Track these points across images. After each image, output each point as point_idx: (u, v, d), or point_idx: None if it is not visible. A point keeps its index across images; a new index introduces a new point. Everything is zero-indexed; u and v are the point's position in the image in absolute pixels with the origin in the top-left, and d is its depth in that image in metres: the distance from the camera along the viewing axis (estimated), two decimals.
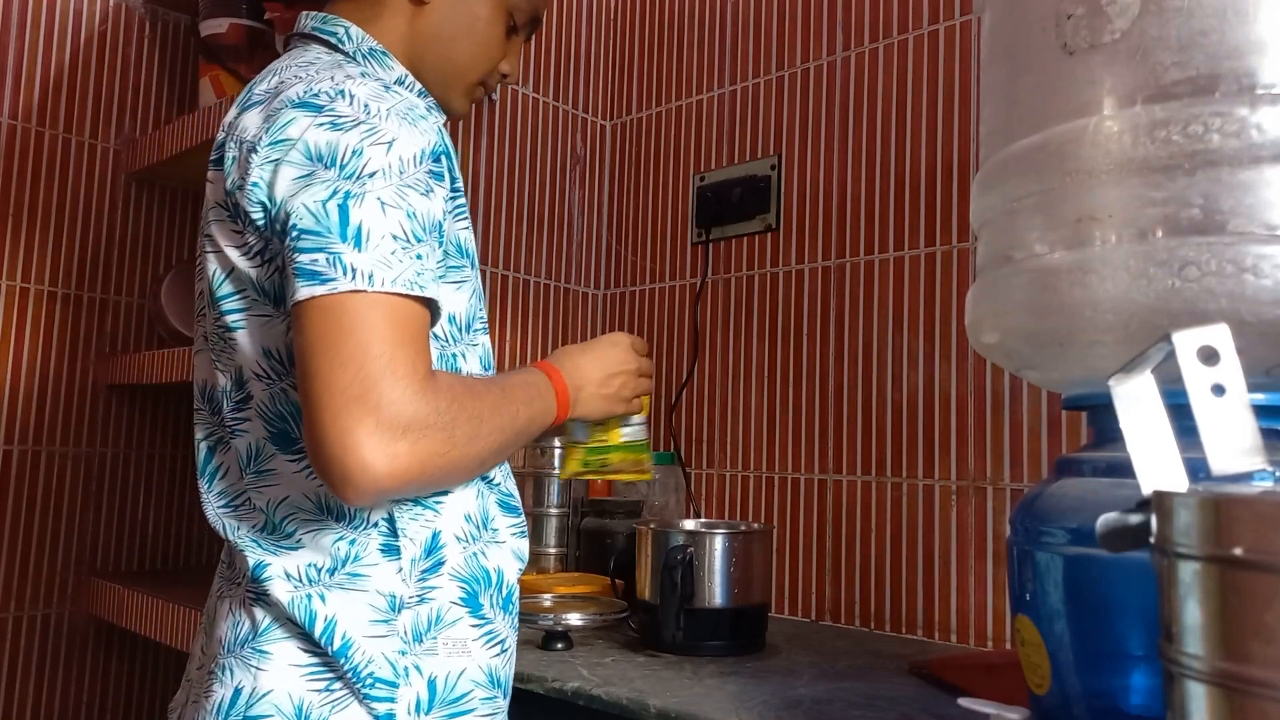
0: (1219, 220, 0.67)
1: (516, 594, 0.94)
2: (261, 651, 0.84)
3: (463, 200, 0.91)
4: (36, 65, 1.63)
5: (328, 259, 0.75)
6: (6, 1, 1.60)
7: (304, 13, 1.01)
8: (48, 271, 1.63)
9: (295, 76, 0.87)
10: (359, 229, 0.76)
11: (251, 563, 0.86)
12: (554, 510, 1.68)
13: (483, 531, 0.91)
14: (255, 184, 0.81)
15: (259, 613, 0.85)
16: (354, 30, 0.96)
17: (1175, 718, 0.45)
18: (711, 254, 1.85)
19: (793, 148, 1.76)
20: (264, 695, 0.82)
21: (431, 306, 0.81)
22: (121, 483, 1.69)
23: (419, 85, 0.99)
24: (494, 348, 1.80)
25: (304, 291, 0.75)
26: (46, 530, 1.61)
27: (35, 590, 1.59)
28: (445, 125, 0.98)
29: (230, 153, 0.86)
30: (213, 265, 0.88)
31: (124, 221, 1.71)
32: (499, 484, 0.95)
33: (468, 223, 0.92)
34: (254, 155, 0.82)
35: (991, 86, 0.89)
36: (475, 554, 0.90)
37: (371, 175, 0.78)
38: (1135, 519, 0.48)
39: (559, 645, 1.28)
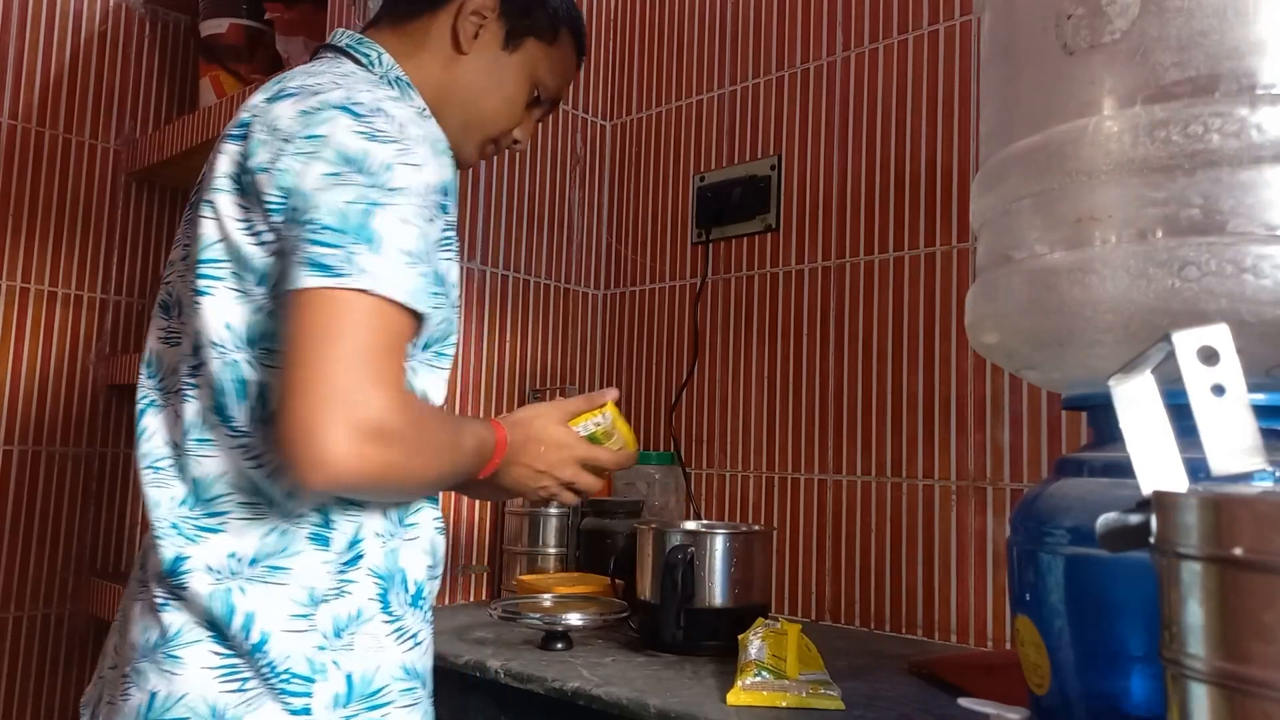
0: (1219, 220, 0.67)
1: (428, 590, 0.95)
2: (173, 656, 0.84)
3: (453, 234, 0.94)
4: (36, 65, 1.63)
5: (343, 255, 0.79)
6: (6, 2, 1.60)
7: (340, 29, 1.06)
8: (48, 271, 1.63)
9: (334, 83, 0.90)
10: (377, 235, 0.80)
11: (170, 556, 0.85)
12: (554, 510, 1.68)
13: (399, 527, 0.92)
14: (283, 170, 0.84)
15: (167, 617, 0.85)
16: (385, 57, 1.02)
17: (1175, 718, 0.45)
18: (711, 254, 1.85)
19: (793, 148, 1.76)
20: (180, 699, 0.83)
21: (422, 325, 0.85)
22: (121, 483, 1.69)
23: (434, 122, 1.01)
24: (483, 347, 1.80)
25: (311, 280, 0.78)
26: (46, 530, 1.61)
27: (35, 590, 1.59)
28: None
29: (259, 135, 0.87)
30: (207, 229, 0.89)
31: (124, 221, 1.71)
32: None
33: (452, 255, 0.94)
34: (288, 144, 0.85)
35: (991, 86, 0.89)
36: (391, 551, 0.91)
37: (396, 190, 0.83)
38: (1135, 519, 0.48)
39: (559, 645, 1.28)
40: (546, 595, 1.45)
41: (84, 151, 1.67)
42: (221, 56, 1.72)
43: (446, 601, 1.67)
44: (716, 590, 1.29)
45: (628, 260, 2.01)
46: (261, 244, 0.85)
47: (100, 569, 1.65)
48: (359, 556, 0.88)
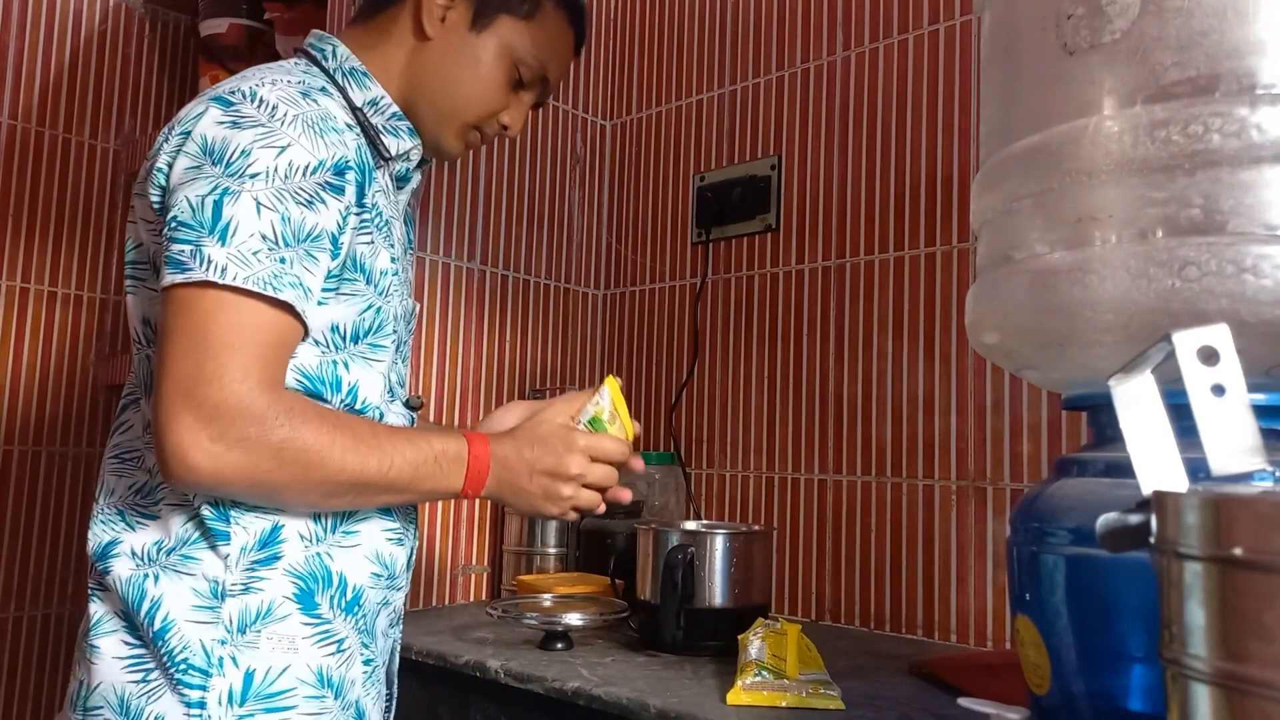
0: (1219, 220, 0.67)
1: (369, 599, 0.92)
2: (93, 646, 0.86)
3: (373, 217, 0.91)
4: (36, 65, 1.63)
5: (191, 250, 0.79)
6: (6, 1, 1.60)
7: (312, 31, 1.05)
8: (48, 271, 1.63)
9: (242, 76, 0.90)
10: (227, 225, 0.79)
11: (103, 541, 0.87)
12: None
13: (330, 534, 0.90)
14: (159, 169, 0.86)
15: (93, 606, 0.87)
16: (340, 50, 0.99)
17: (1175, 718, 0.45)
18: (711, 254, 1.85)
19: (793, 148, 1.76)
20: (95, 687, 0.84)
21: (293, 314, 0.82)
22: None
23: (394, 109, 0.99)
24: (483, 347, 1.80)
25: (167, 279, 0.80)
26: (46, 530, 1.61)
27: (35, 590, 1.59)
28: (413, 153, 1.01)
29: (161, 136, 0.90)
30: (130, 232, 0.93)
31: (124, 221, 1.71)
32: None
33: (374, 239, 0.92)
34: (166, 143, 0.86)
35: (991, 86, 0.89)
36: (319, 554, 0.89)
37: (254, 176, 0.81)
38: (1135, 519, 0.48)
39: (559, 645, 1.28)
40: (546, 595, 1.45)
41: (84, 151, 1.67)
42: (221, 56, 1.72)
43: (447, 601, 1.67)
44: (716, 590, 1.29)
45: (628, 260, 2.01)
46: (157, 243, 0.86)
47: None
48: (276, 556, 0.87)
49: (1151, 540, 0.47)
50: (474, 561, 1.72)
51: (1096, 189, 0.73)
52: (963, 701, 0.78)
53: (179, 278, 0.79)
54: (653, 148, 2.00)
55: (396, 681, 1.04)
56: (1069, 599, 0.71)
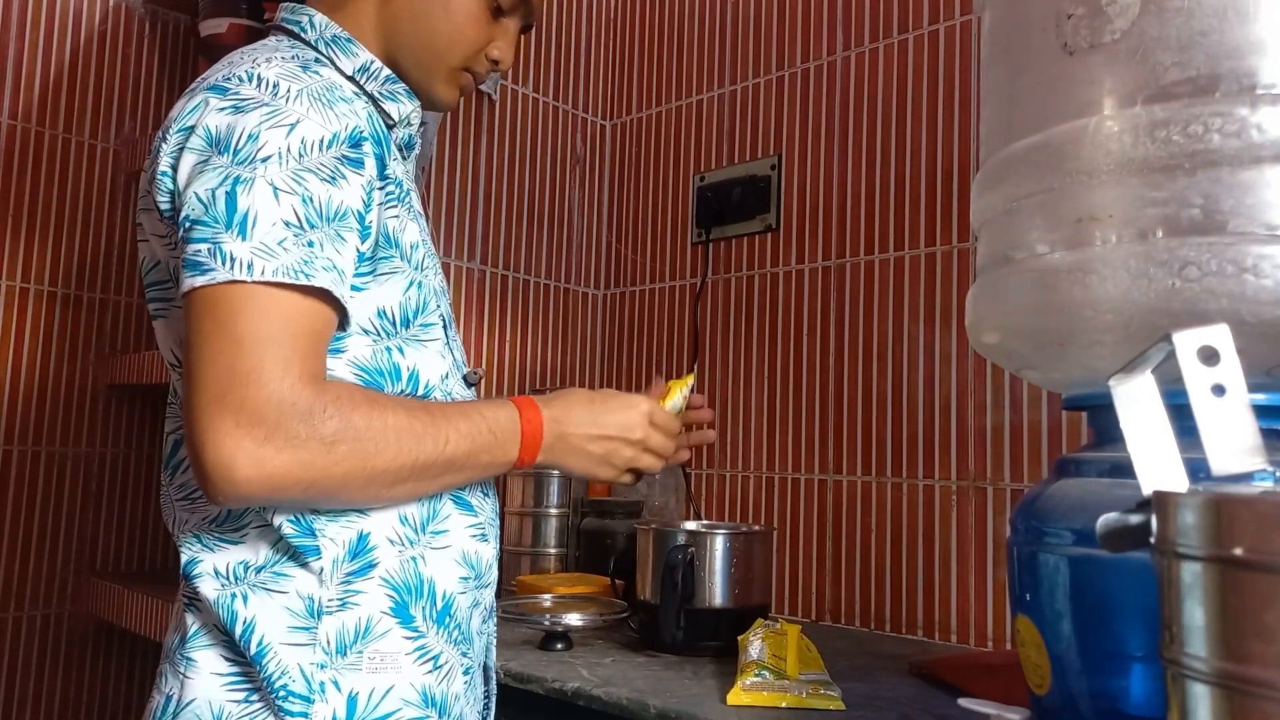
0: (1219, 220, 0.67)
1: (459, 606, 0.87)
2: (189, 659, 0.81)
3: (396, 189, 0.86)
4: (36, 65, 1.63)
5: (210, 249, 0.72)
6: (6, 1, 1.60)
7: (280, 4, 0.97)
8: (48, 271, 1.63)
9: (228, 61, 0.84)
10: (245, 216, 0.73)
11: (185, 559, 0.82)
12: (554, 510, 1.68)
13: (421, 535, 0.85)
14: (164, 173, 0.78)
15: (189, 618, 0.82)
16: (318, 19, 0.91)
17: (1175, 718, 0.45)
18: (711, 254, 1.85)
19: (793, 148, 1.76)
20: (188, 704, 0.79)
21: (329, 300, 0.76)
22: (121, 483, 1.69)
23: (387, 73, 0.92)
24: (483, 347, 1.80)
25: (187, 283, 0.73)
26: (46, 530, 1.61)
27: (35, 590, 1.59)
28: (413, 116, 0.94)
29: (157, 141, 0.83)
30: (143, 251, 0.86)
31: (124, 221, 1.71)
32: None
33: (400, 212, 0.86)
34: (164, 144, 0.79)
35: (991, 86, 0.89)
36: (413, 559, 0.84)
37: (265, 160, 0.75)
38: (1135, 519, 0.48)
39: (559, 645, 1.28)
40: (546, 595, 1.45)
41: (84, 151, 1.67)
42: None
43: None
44: (716, 590, 1.29)
45: (628, 260, 2.01)
46: (175, 256, 0.79)
47: (100, 569, 1.65)
48: (371, 565, 0.81)
49: (1152, 540, 0.47)
50: None
51: (1097, 189, 0.73)
52: (963, 702, 0.78)
53: (200, 280, 0.72)
54: (653, 148, 2.00)
55: (494, 678, 0.99)
56: (1069, 599, 0.71)
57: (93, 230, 1.68)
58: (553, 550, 1.68)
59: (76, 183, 1.66)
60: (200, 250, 0.73)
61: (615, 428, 0.91)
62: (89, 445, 1.66)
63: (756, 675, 1.05)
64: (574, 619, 1.32)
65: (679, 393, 1.01)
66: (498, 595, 1.71)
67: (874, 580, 1.55)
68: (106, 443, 1.68)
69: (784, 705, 1.01)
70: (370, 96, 0.90)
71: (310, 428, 0.71)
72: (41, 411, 1.61)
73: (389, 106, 0.92)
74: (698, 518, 1.76)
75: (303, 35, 0.91)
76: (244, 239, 0.72)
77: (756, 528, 1.44)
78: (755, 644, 1.12)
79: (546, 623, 1.30)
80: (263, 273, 0.72)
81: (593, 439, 0.90)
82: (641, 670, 1.18)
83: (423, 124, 1.00)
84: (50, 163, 1.64)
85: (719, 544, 1.30)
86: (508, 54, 0.98)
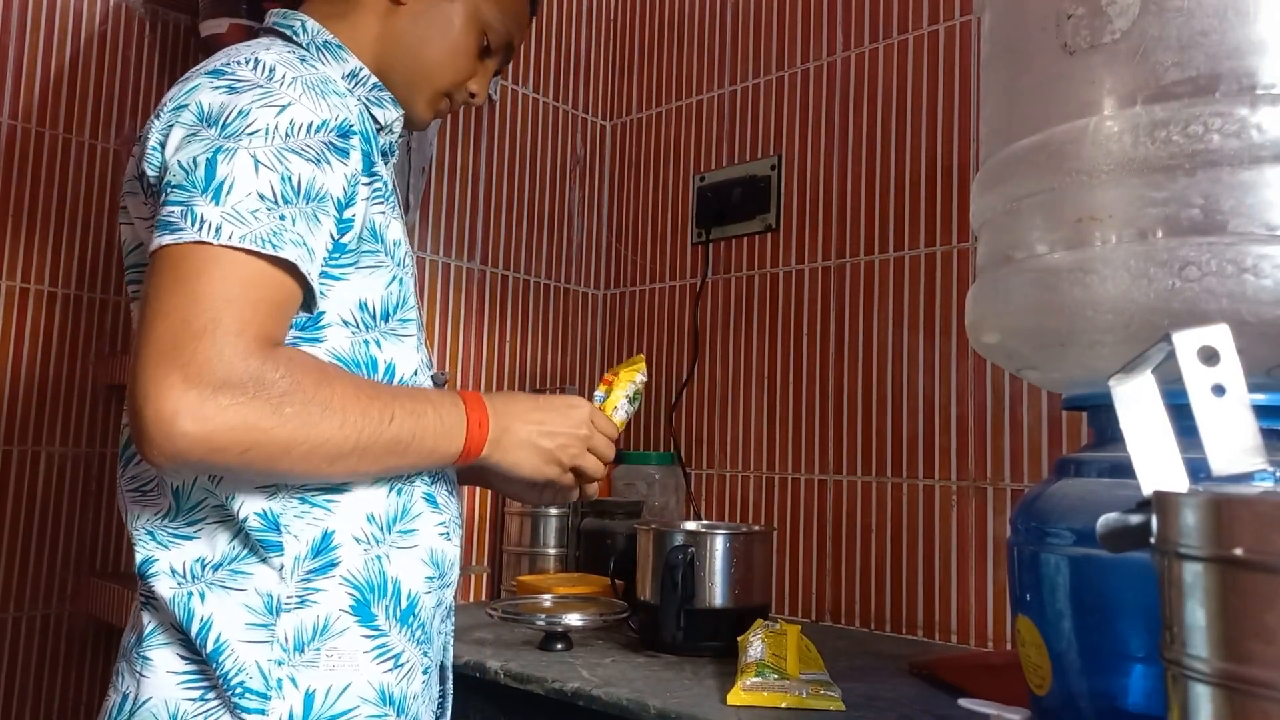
0: (1219, 220, 0.67)
1: (424, 605, 0.87)
2: (145, 658, 0.81)
3: (382, 186, 0.88)
4: (36, 65, 1.63)
5: (182, 210, 0.72)
6: (6, 1, 1.60)
7: (272, 9, 1.00)
8: (48, 271, 1.63)
9: (225, 53, 0.85)
10: (222, 183, 0.73)
11: (139, 558, 0.82)
12: (554, 510, 1.68)
13: (388, 534, 0.85)
14: (154, 148, 0.79)
15: (145, 616, 0.82)
16: (310, 24, 0.94)
17: (1175, 718, 0.45)
18: (711, 254, 1.85)
19: (793, 148, 1.76)
20: (144, 703, 0.79)
21: (295, 274, 0.75)
22: None
23: (374, 80, 0.95)
24: (483, 347, 1.80)
25: (155, 242, 0.73)
26: (46, 530, 1.61)
27: (35, 590, 1.59)
28: (396, 125, 0.97)
29: (149, 124, 0.84)
30: (125, 234, 0.87)
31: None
32: (422, 475, 0.89)
33: (385, 209, 0.88)
34: (156, 121, 0.81)
35: (991, 86, 0.89)
36: (377, 558, 0.84)
37: (252, 134, 0.76)
38: (1136, 519, 0.48)
39: (559, 645, 1.28)
40: (546, 595, 1.45)
41: (84, 151, 1.67)
42: None
43: None
44: (716, 591, 1.29)
45: (628, 260, 2.01)
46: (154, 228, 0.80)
47: (100, 569, 1.65)
48: (332, 563, 0.81)
49: (1152, 540, 0.47)
50: (474, 562, 1.72)
51: (1097, 189, 0.73)
52: (963, 702, 0.78)
53: (168, 238, 0.71)
54: (653, 148, 2.00)
55: (451, 677, 0.99)
56: (1070, 599, 0.71)
57: (93, 230, 1.68)
58: (552, 550, 1.68)
59: (77, 183, 1.66)
60: (173, 212, 0.73)
61: (561, 424, 0.90)
62: (89, 445, 1.66)
63: (757, 675, 1.05)
64: (574, 619, 1.32)
65: (629, 384, 0.98)
66: (497, 595, 1.71)
67: (874, 580, 1.55)
68: (106, 443, 1.68)
69: (784, 705, 1.01)
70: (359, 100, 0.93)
71: (260, 387, 0.70)
72: (41, 411, 1.61)
73: (376, 111, 0.95)
74: (698, 518, 1.76)
75: (295, 38, 0.94)
76: (217, 204, 0.72)
77: (756, 528, 1.44)
78: (755, 644, 1.13)
79: (546, 623, 1.30)
80: (230, 237, 0.71)
81: (542, 433, 0.89)
82: (641, 670, 1.18)
83: (403, 135, 1.03)
84: (50, 163, 1.63)
85: (719, 544, 1.30)
86: (483, 91, 1.04)
